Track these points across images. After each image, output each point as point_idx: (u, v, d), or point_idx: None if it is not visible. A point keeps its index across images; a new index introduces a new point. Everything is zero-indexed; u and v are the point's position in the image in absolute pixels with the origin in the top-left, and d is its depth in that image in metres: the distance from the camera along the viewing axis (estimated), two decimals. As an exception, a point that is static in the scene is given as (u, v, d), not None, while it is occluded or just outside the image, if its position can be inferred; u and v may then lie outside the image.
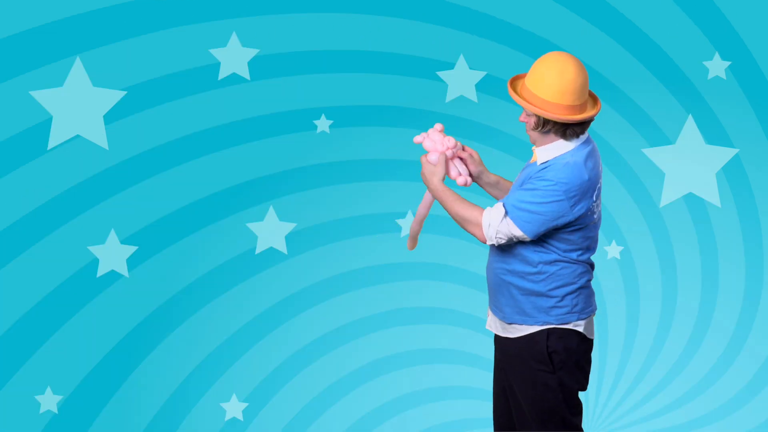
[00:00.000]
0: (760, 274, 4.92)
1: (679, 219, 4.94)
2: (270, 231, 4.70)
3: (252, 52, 4.59)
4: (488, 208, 2.94)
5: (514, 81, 2.98)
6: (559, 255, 2.97)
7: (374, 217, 4.80)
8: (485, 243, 2.95)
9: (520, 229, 2.88)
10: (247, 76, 4.57)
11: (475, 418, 4.74)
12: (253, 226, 4.67)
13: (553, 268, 2.99)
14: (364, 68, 4.72)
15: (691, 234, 4.98)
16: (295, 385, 4.77)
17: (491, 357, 4.07)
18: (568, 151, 2.93)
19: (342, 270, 4.80)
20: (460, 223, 2.95)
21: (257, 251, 4.69)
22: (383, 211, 4.82)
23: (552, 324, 2.99)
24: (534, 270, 2.99)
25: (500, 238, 2.89)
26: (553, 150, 2.93)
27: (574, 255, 3.01)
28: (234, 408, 4.65)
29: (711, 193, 4.84)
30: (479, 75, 4.72)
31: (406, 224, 4.76)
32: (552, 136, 2.90)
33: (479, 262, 4.61)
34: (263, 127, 4.69)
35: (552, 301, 2.99)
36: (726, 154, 4.82)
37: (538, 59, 2.90)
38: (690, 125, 4.80)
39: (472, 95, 4.73)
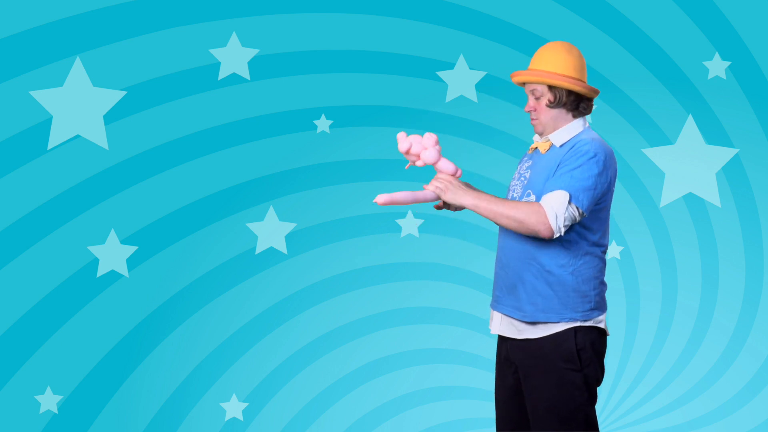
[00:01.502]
0: (760, 274, 4.98)
1: (679, 219, 4.98)
2: (270, 231, 4.76)
3: (252, 52, 4.64)
4: (544, 199, 2.86)
5: (514, 74, 3.06)
6: (587, 247, 2.97)
7: (374, 217, 4.86)
8: (551, 237, 2.86)
9: (581, 209, 2.86)
10: (247, 76, 4.62)
11: (475, 417, 4.80)
12: (253, 226, 4.74)
13: (581, 261, 2.97)
14: (364, 68, 4.77)
15: (691, 234, 5.02)
16: (295, 385, 4.83)
17: (491, 357, 4.09)
18: (583, 130, 2.98)
19: (342, 270, 4.88)
20: (518, 224, 2.86)
21: (257, 251, 4.76)
22: (383, 211, 4.84)
23: (578, 321, 2.98)
24: (563, 262, 2.96)
25: (566, 225, 2.86)
26: (567, 132, 2.97)
27: (598, 249, 3.02)
28: (234, 408, 4.73)
29: (711, 193, 4.88)
30: (479, 75, 4.79)
31: (406, 224, 4.87)
32: (564, 114, 2.95)
33: (479, 261, 4.83)
34: (263, 127, 4.72)
35: (579, 296, 2.98)
36: (726, 154, 4.86)
37: (540, 48, 3.00)
38: (690, 125, 4.86)
39: (472, 95, 4.80)
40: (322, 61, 4.74)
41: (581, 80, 2.94)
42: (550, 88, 2.93)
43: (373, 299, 4.91)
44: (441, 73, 4.81)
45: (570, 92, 2.93)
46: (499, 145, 4.85)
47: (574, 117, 2.97)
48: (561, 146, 2.94)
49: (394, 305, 4.94)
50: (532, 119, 2.99)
